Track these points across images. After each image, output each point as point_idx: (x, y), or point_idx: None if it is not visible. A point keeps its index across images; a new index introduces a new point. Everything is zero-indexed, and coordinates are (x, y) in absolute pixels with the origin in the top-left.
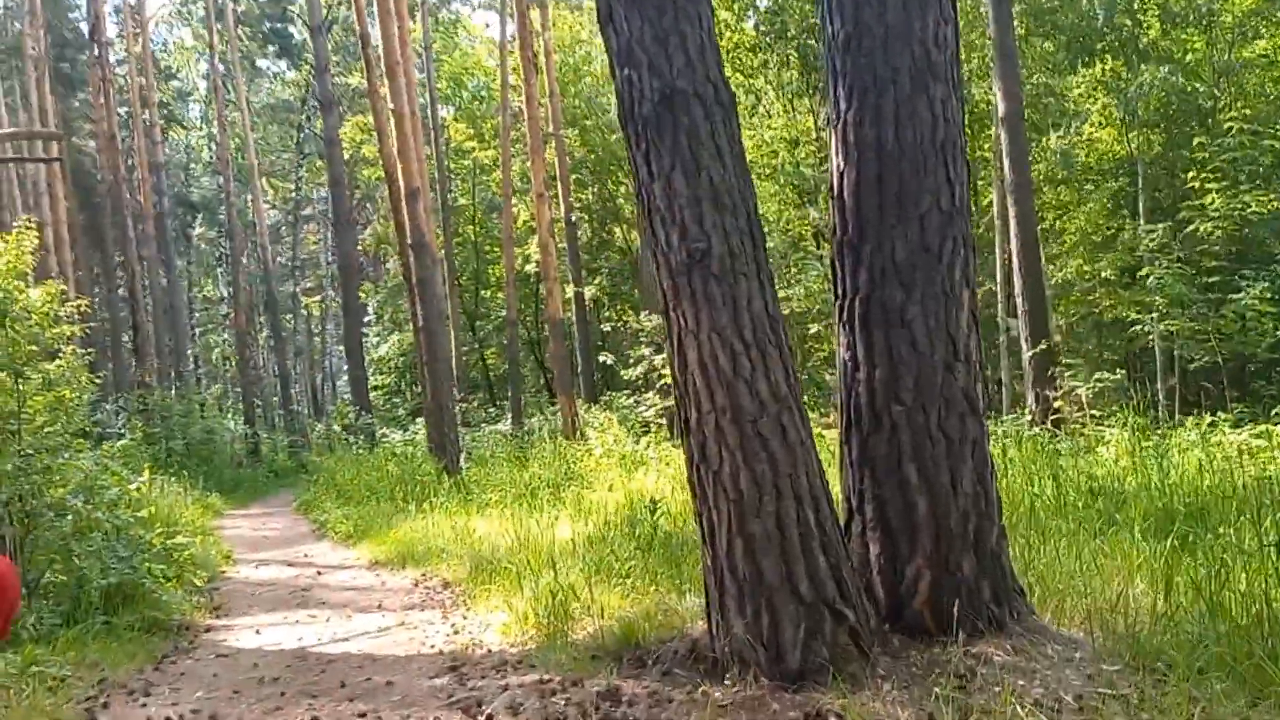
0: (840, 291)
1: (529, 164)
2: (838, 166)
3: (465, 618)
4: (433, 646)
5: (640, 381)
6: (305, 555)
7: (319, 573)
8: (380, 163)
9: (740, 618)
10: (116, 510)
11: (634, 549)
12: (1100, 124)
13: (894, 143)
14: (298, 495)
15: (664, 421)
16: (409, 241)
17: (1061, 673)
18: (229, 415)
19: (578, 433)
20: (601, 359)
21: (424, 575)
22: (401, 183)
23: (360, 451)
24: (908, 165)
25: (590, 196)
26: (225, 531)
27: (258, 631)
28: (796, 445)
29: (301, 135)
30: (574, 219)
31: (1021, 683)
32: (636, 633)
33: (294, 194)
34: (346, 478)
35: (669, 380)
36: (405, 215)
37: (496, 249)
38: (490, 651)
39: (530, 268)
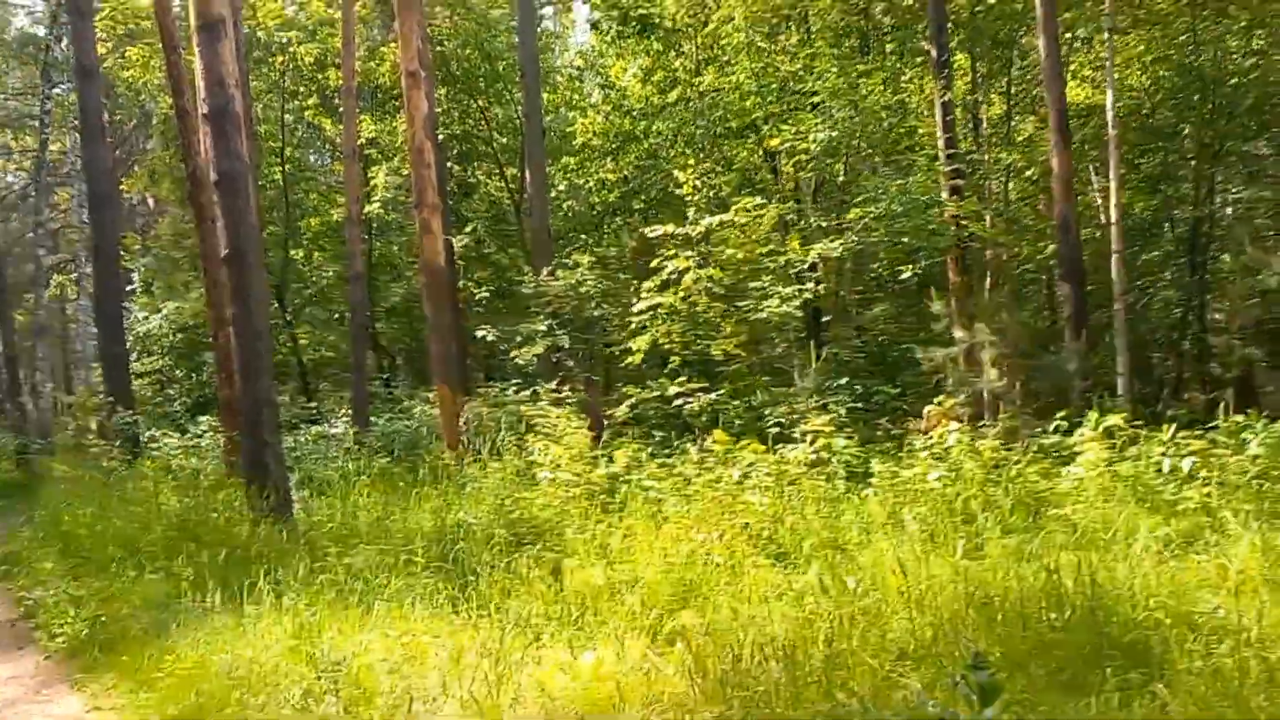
0: None
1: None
2: None
3: None
4: None
5: (529, 368)
6: None
7: None
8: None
9: None
10: None
11: None
12: None
13: None
14: (8, 535)
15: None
16: (205, 109)
17: None
18: None
19: (464, 441)
20: (480, 333)
21: None
22: (194, 10)
23: (113, 466)
24: None
25: (453, 122)
26: None
27: None
28: None
29: (47, 60)
30: (439, 138)
31: None
32: None
33: (39, 145)
34: (82, 518)
35: (577, 370)
36: (200, 64)
37: (312, 194)
38: None
39: (373, 207)
